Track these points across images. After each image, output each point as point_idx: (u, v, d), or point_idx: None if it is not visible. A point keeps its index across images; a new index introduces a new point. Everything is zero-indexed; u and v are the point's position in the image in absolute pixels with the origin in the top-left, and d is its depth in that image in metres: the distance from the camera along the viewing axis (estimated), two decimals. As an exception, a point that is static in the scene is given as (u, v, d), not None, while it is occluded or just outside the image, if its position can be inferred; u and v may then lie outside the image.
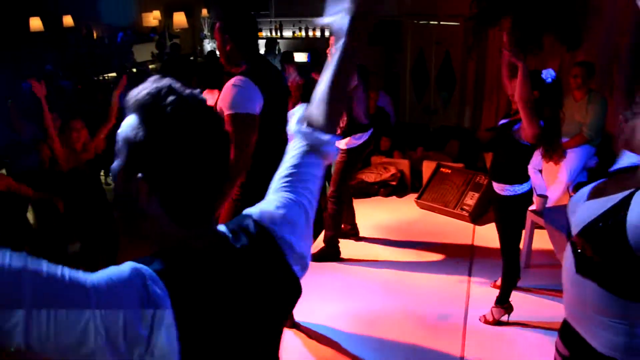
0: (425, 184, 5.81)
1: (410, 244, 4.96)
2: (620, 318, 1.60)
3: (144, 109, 0.99)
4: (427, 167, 5.98)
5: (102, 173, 6.77)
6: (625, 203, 1.55)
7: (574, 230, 1.73)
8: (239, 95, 2.66)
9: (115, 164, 1.03)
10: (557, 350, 1.91)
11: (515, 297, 3.75)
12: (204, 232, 1.07)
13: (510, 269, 3.61)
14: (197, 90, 1.04)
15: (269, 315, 1.15)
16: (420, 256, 4.72)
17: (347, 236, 4.92)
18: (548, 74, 3.29)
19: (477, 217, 5.36)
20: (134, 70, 10.68)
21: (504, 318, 3.66)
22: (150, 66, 11.14)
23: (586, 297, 1.66)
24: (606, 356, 1.65)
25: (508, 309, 3.65)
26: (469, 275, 4.39)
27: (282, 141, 3.03)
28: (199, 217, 1.05)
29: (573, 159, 5.09)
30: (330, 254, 4.59)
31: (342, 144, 4.37)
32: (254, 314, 1.10)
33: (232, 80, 2.73)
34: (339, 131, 4.35)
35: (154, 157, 0.98)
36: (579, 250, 1.69)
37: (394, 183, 6.11)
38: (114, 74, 10.00)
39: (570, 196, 4.23)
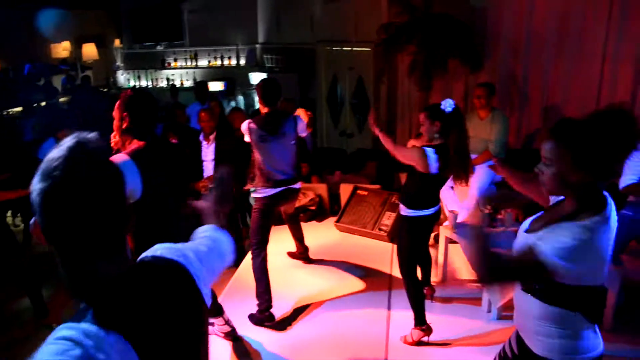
0: (343, 206, 5.88)
1: (331, 267, 4.98)
2: (553, 323, 1.90)
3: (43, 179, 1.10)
4: (345, 190, 6.06)
5: (9, 214, 6.43)
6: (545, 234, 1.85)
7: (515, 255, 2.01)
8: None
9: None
10: (509, 343, 2.17)
11: (435, 316, 3.83)
12: (121, 259, 1.19)
13: (411, 288, 3.68)
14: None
15: (188, 327, 1.30)
16: (341, 278, 4.75)
17: (296, 257, 5.09)
18: (447, 104, 3.42)
19: (395, 237, 5.45)
20: (43, 104, 10.24)
21: (425, 339, 3.71)
22: (61, 99, 10.72)
23: (527, 309, 1.96)
24: (543, 357, 1.94)
25: (427, 330, 3.69)
26: (389, 293, 4.46)
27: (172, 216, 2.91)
28: (110, 249, 1.16)
29: (481, 174, 5.31)
30: (261, 319, 4.09)
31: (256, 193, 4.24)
32: (178, 325, 1.25)
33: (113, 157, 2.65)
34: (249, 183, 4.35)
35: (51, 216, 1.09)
36: None
37: (313, 208, 6.15)
38: (19, 109, 9.54)
39: (480, 210, 4.41)
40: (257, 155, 4.14)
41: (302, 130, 4.29)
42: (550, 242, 1.77)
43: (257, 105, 9.74)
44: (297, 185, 4.36)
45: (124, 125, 2.79)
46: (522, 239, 2.00)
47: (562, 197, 1.99)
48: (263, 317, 4.03)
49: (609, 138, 1.70)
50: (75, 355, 1.00)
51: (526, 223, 2.09)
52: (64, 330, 1.05)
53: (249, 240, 4.39)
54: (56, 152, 1.11)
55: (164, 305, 1.21)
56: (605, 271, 1.84)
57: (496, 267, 1.84)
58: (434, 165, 3.36)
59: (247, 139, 4.16)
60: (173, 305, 1.24)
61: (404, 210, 3.61)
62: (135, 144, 2.75)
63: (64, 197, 1.07)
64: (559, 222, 1.83)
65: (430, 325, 3.69)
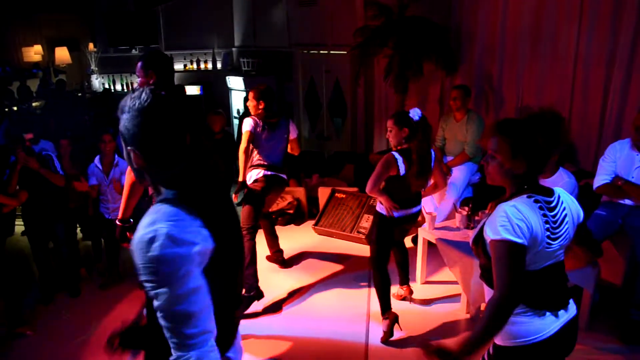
0: (322, 210, 5.87)
1: (310, 270, 4.98)
2: None
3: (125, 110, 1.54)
4: (323, 194, 6.06)
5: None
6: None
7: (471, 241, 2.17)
8: None
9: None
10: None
11: (414, 317, 3.85)
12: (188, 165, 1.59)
13: (376, 275, 3.86)
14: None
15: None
16: (321, 281, 4.75)
17: (274, 262, 5.07)
18: (415, 113, 3.64)
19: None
20: (15, 108, 10.06)
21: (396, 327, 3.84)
22: (34, 104, 10.52)
23: (485, 297, 2.06)
24: (502, 346, 2.04)
25: (391, 316, 3.80)
26: (369, 295, 4.47)
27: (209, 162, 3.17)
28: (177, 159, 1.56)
29: (458, 176, 5.36)
30: (252, 298, 4.31)
31: (250, 179, 4.46)
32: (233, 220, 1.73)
33: None
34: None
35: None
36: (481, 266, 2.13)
37: (291, 211, 6.14)
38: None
39: (457, 211, 4.45)
40: (254, 147, 4.48)
41: (294, 131, 4.70)
42: (487, 224, 2.00)
43: (236, 108, 9.69)
44: (284, 175, 4.62)
45: (151, 82, 3.08)
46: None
47: None
48: (254, 296, 4.26)
49: (540, 133, 1.97)
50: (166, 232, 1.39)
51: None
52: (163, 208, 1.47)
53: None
54: (137, 92, 1.53)
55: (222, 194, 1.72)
56: (541, 255, 1.97)
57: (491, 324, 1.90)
58: (402, 167, 3.62)
59: (247, 129, 4.41)
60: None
61: (378, 205, 3.90)
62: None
63: (159, 114, 1.50)
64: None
65: (396, 313, 3.83)
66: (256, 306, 4.29)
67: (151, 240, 1.37)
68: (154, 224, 1.40)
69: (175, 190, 1.53)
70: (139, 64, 3.12)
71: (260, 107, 4.44)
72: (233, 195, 4.39)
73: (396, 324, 3.84)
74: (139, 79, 3.16)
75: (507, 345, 2.02)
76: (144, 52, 10.71)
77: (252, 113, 4.48)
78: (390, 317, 3.81)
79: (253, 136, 4.41)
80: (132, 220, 3.15)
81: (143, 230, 1.41)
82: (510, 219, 1.91)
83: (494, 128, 2.08)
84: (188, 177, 1.56)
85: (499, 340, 2.05)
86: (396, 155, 3.63)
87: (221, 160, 4.63)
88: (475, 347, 1.88)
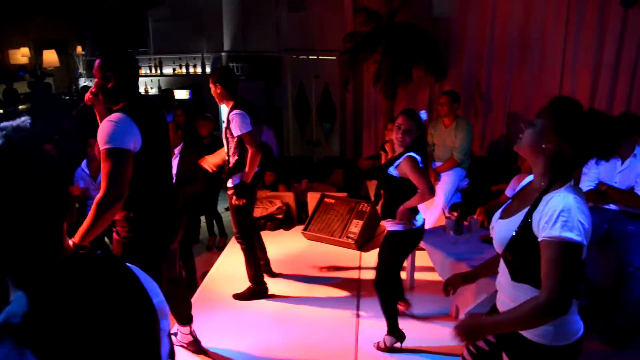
0: (311, 215, 5.87)
1: (299, 276, 4.96)
2: None
3: None
4: (312, 199, 6.06)
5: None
6: (530, 212, 1.87)
7: (498, 246, 2.00)
8: (114, 131, 2.65)
9: None
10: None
11: (405, 323, 3.85)
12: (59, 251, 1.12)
13: (386, 299, 3.65)
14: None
15: (133, 327, 1.19)
16: (309, 287, 4.74)
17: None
18: (422, 114, 3.51)
19: (363, 244, 5.49)
20: (1, 111, 9.97)
21: (397, 345, 3.72)
22: (20, 107, 10.43)
23: (521, 299, 1.88)
24: (536, 343, 1.91)
25: (399, 337, 3.71)
26: (358, 300, 4.47)
27: (165, 176, 3.04)
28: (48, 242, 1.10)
29: (447, 182, 5.39)
30: (257, 291, 4.52)
31: (230, 182, 4.26)
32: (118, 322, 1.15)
33: (109, 117, 2.71)
34: (226, 170, 4.27)
35: None
36: (511, 263, 1.97)
37: (280, 216, 6.13)
38: (-25, 117, 9.26)
39: (446, 217, 4.46)
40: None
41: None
42: (539, 220, 1.81)
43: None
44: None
45: (109, 85, 2.78)
46: (503, 226, 2.00)
47: (525, 184, 2.10)
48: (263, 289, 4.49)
49: (596, 123, 1.80)
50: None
51: (498, 213, 2.13)
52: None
53: (235, 234, 4.45)
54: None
55: (101, 297, 1.14)
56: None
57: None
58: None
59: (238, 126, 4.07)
60: (111, 299, 1.17)
61: (392, 225, 3.51)
62: (122, 104, 2.79)
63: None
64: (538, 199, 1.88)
65: (403, 331, 3.71)
66: (245, 310, 4.27)
67: None
68: None
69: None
70: (97, 62, 2.80)
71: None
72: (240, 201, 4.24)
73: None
74: (95, 80, 2.84)
75: (558, 345, 1.92)
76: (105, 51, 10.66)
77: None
78: (399, 337, 3.70)
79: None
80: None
81: None
82: (575, 214, 1.75)
83: (552, 99, 1.93)
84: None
85: (548, 340, 1.92)
86: (416, 156, 3.37)
87: (202, 172, 4.59)
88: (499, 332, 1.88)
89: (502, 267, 2.07)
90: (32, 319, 1.01)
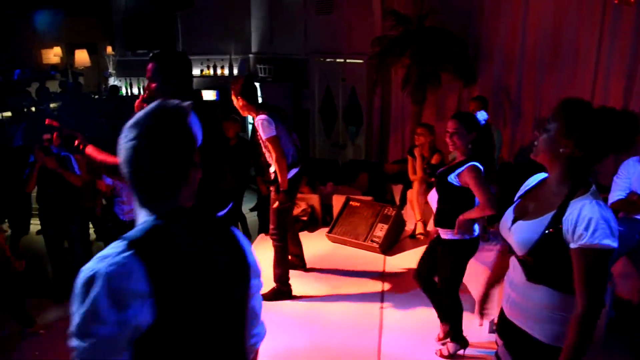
0: (336, 217, 5.85)
1: (323, 277, 4.95)
2: (564, 310, 1.88)
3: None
4: (337, 201, 6.05)
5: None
6: (558, 216, 1.86)
7: (519, 248, 1.96)
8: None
9: None
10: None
11: (427, 325, 3.80)
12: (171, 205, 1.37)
13: (454, 307, 3.56)
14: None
15: (226, 279, 1.44)
16: (333, 289, 4.72)
17: (294, 267, 4.87)
18: (481, 116, 3.33)
19: (387, 248, 5.46)
20: (33, 109, 10.17)
21: (460, 352, 3.65)
22: (52, 105, 10.63)
23: (536, 299, 1.94)
24: (552, 346, 1.90)
25: (464, 344, 3.64)
26: (381, 305, 4.43)
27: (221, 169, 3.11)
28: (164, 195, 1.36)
29: (474, 188, 5.32)
30: (282, 292, 4.51)
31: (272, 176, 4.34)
32: (213, 272, 1.39)
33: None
34: (272, 175, 4.34)
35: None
36: (528, 264, 1.95)
37: (305, 218, 6.13)
38: (9, 113, 9.46)
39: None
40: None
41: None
42: (568, 217, 1.81)
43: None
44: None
45: (166, 88, 2.82)
46: (525, 228, 1.95)
47: (534, 184, 2.10)
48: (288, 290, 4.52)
49: (606, 121, 1.81)
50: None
51: (509, 213, 2.08)
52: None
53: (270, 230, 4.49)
54: (142, 113, 1.36)
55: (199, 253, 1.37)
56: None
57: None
58: None
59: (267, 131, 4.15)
60: (209, 255, 1.40)
61: (448, 234, 3.37)
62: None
63: (150, 147, 1.31)
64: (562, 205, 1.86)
65: (467, 339, 3.64)
66: (268, 310, 4.27)
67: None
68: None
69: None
70: (151, 64, 2.83)
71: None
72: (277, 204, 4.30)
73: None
74: (151, 84, 2.87)
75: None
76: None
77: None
78: (463, 344, 3.62)
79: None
80: None
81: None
82: (609, 221, 1.77)
83: (562, 100, 1.92)
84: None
85: (552, 341, 1.92)
86: (480, 166, 3.20)
87: (229, 171, 4.65)
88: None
89: (515, 267, 2.05)
90: (152, 238, 1.29)
